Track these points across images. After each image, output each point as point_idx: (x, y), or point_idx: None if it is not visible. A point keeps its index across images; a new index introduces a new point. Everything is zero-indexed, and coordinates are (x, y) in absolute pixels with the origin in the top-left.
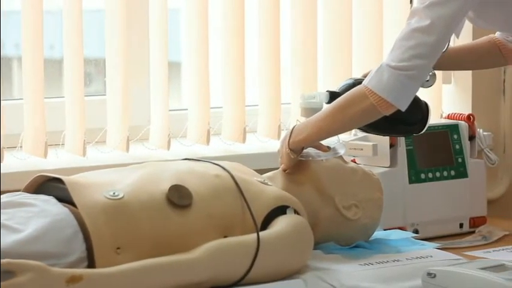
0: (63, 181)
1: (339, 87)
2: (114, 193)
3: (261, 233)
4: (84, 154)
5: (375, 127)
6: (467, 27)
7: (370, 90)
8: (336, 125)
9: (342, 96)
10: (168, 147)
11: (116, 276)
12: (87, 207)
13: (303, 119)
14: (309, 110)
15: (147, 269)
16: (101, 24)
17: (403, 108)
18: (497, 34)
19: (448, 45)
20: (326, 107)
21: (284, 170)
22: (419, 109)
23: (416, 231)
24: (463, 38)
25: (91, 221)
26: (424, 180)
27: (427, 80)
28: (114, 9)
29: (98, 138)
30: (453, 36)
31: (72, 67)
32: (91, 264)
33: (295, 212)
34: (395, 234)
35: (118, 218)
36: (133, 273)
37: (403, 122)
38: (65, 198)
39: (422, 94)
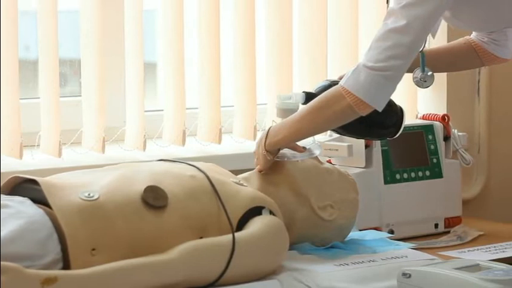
0: (38, 182)
1: (314, 88)
2: (89, 194)
3: (237, 234)
4: (59, 155)
5: (350, 130)
6: (442, 28)
7: (347, 90)
8: (312, 125)
9: (319, 97)
10: (144, 148)
11: (91, 278)
12: (62, 209)
13: (279, 120)
14: (285, 111)
15: (122, 270)
16: (76, 25)
17: (380, 109)
18: (473, 36)
19: (424, 45)
20: (302, 107)
21: (260, 171)
22: (395, 113)
23: (391, 232)
24: (438, 38)
25: (66, 222)
26: (399, 181)
27: (425, 81)
28: (89, 10)
29: (73, 139)
30: (429, 37)
31: (47, 68)
32: (66, 265)
33: (271, 212)
34: (370, 235)
35: (93, 219)
36: (108, 275)
37: (378, 125)
38: (40, 200)
39: (398, 94)
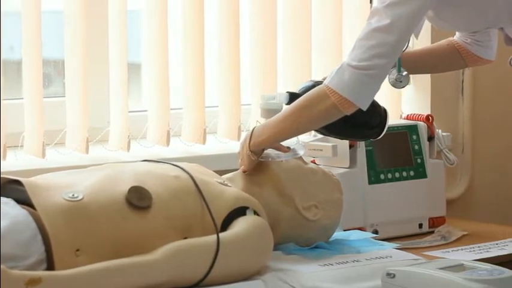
0: (22, 183)
1: (298, 88)
2: (73, 195)
3: (221, 234)
4: (43, 156)
5: (334, 130)
6: (426, 28)
7: (331, 89)
8: (296, 125)
9: (303, 97)
10: (128, 149)
11: (75, 278)
12: (46, 209)
13: (263, 120)
14: (269, 111)
15: (106, 270)
16: (60, 25)
17: (364, 108)
18: (456, 37)
19: (408, 45)
20: (286, 107)
21: (244, 171)
22: (378, 113)
23: (375, 232)
24: (422, 39)
25: (50, 223)
26: (384, 181)
27: (401, 81)
28: (73, 10)
29: (57, 140)
30: (412, 38)
31: (31, 68)
32: (50, 266)
33: (255, 213)
34: (355, 235)
35: (77, 220)
36: (92, 275)
37: (362, 125)
38: (24, 200)
39: (382, 94)
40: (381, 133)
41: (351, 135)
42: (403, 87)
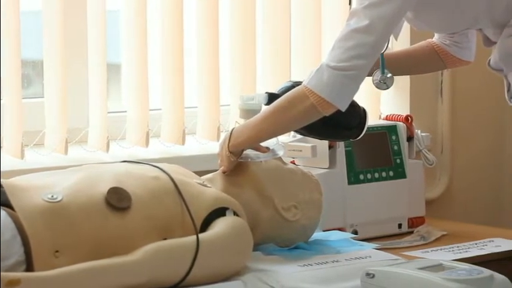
0: (1, 184)
1: (277, 89)
2: (52, 196)
3: (201, 235)
4: (22, 157)
5: (313, 131)
6: (405, 29)
7: (310, 90)
8: (276, 126)
9: (282, 98)
10: (107, 150)
11: (55, 280)
12: (26, 211)
13: (242, 121)
14: (248, 112)
15: (86, 271)
16: (39, 26)
17: (343, 108)
18: (435, 38)
19: (387, 46)
20: (265, 108)
21: (224, 172)
22: (358, 114)
23: (355, 232)
24: (401, 40)
25: (29, 224)
26: (363, 181)
27: (385, 83)
28: (52, 11)
29: (36, 141)
30: (392, 39)
31: (9, 69)
32: (29, 267)
33: (235, 213)
34: (334, 235)
35: (56, 221)
36: (71, 277)
37: (341, 126)
38: (3, 202)
39: (361, 95)
40: (361, 133)
41: (331, 136)
42: (387, 88)
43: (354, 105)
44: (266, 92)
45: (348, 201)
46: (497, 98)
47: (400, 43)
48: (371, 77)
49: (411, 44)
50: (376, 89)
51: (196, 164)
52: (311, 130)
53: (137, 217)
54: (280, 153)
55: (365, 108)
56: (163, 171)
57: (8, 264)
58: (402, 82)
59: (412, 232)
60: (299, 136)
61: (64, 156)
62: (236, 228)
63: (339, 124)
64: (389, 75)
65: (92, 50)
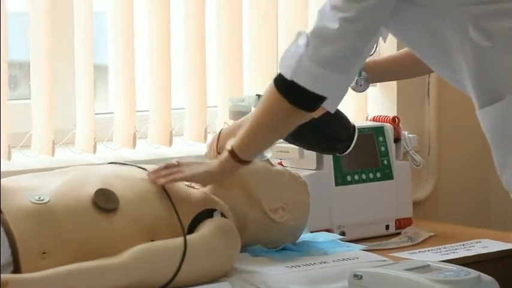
0: None
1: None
2: (39, 197)
3: (188, 237)
4: (9, 158)
5: (301, 139)
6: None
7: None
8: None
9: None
10: (94, 151)
11: (42, 281)
12: (13, 212)
13: (231, 122)
14: (238, 113)
15: (73, 273)
16: (26, 27)
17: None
18: None
19: (376, 49)
20: (254, 110)
21: None
22: (347, 128)
23: (342, 233)
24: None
25: (16, 225)
26: (350, 183)
27: (360, 85)
28: (39, 12)
29: (23, 142)
30: (380, 42)
31: None
32: (17, 269)
33: (222, 215)
34: (322, 237)
35: (43, 223)
36: (58, 278)
37: (330, 136)
38: None
39: (348, 96)
40: (348, 148)
41: (318, 146)
42: (363, 91)
43: (344, 119)
44: (256, 94)
45: (335, 202)
46: None
47: (387, 45)
48: None
49: (398, 48)
50: (357, 92)
51: None
52: (299, 138)
53: (125, 219)
54: (268, 154)
55: (352, 109)
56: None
57: None
58: (389, 83)
59: (399, 233)
60: None
61: (51, 157)
62: (223, 229)
63: (328, 134)
64: (365, 77)
65: (79, 52)
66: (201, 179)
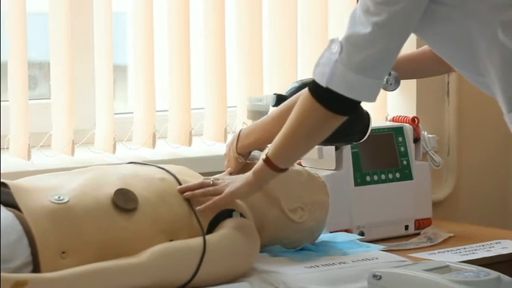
0: (8, 185)
1: (286, 90)
2: (59, 197)
3: (207, 237)
4: (29, 158)
5: None
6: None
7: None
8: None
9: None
10: (114, 151)
11: (61, 281)
12: (32, 212)
13: (249, 122)
14: (256, 113)
15: (92, 273)
16: (45, 27)
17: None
18: None
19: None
20: (273, 109)
21: (230, 174)
22: (361, 118)
23: (362, 234)
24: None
25: (36, 225)
26: (370, 183)
27: (391, 84)
28: (58, 12)
29: (42, 142)
30: None
31: (16, 70)
32: (36, 268)
33: (241, 215)
34: (341, 237)
35: (63, 222)
36: (77, 278)
37: (343, 130)
38: (10, 203)
39: None
40: (363, 137)
41: (334, 141)
42: (394, 89)
43: (358, 113)
44: (274, 94)
45: (355, 202)
46: None
47: (407, 45)
48: None
49: (417, 46)
50: (382, 91)
51: (203, 166)
52: None
53: (144, 219)
54: None
55: (371, 110)
56: (170, 173)
57: (14, 265)
58: (408, 84)
59: (418, 234)
60: None
61: (71, 157)
62: (243, 229)
63: (342, 128)
64: (396, 76)
65: (99, 52)
66: (241, 193)
